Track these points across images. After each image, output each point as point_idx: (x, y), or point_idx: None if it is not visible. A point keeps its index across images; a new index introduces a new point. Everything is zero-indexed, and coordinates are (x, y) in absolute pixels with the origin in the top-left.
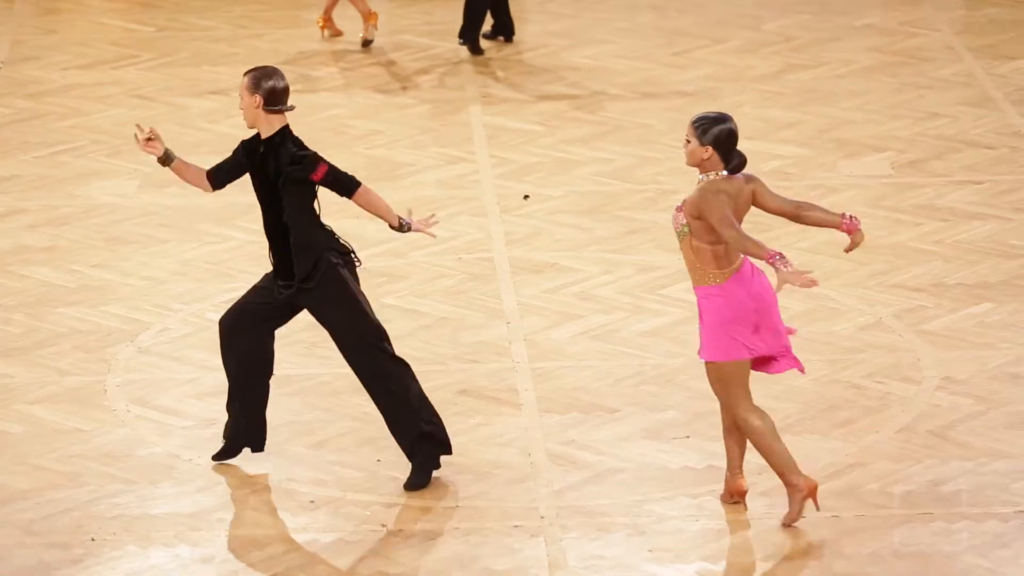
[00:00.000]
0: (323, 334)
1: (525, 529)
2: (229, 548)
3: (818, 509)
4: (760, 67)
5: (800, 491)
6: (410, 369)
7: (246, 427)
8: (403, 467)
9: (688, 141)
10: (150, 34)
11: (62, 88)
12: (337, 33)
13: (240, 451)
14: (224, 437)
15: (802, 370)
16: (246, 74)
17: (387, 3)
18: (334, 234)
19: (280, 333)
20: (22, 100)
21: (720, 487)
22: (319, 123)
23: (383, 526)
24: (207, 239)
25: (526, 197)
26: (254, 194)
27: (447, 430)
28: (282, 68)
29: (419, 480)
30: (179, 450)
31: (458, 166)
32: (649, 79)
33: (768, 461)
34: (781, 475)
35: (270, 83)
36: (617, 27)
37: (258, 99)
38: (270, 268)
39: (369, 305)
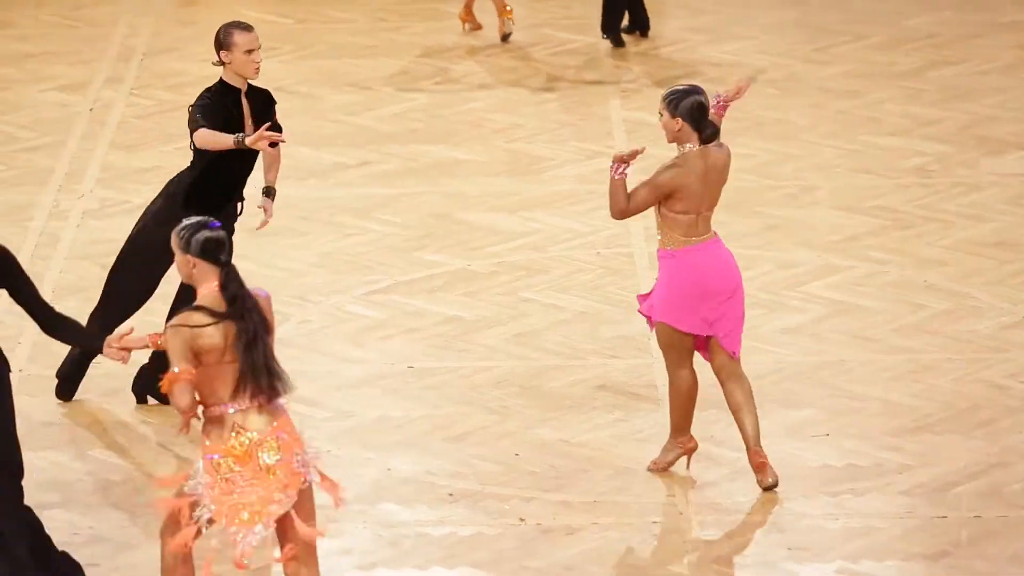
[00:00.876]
0: (458, 327)
1: (663, 525)
2: (368, 540)
3: (688, 468)
4: (902, 63)
5: (679, 446)
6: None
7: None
8: (542, 462)
9: (661, 115)
10: (289, 26)
11: (201, 79)
12: (477, 27)
13: None
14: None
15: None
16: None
17: None
18: None
19: (416, 326)
20: (163, 91)
21: (860, 484)
22: (458, 116)
23: (522, 520)
24: (346, 231)
25: None
26: (388, 187)
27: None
28: (421, 62)
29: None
30: (318, 442)
31: (597, 161)
32: (790, 75)
33: (671, 414)
34: (673, 428)
35: None
36: (759, 23)
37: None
38: (403, 260)
39: None
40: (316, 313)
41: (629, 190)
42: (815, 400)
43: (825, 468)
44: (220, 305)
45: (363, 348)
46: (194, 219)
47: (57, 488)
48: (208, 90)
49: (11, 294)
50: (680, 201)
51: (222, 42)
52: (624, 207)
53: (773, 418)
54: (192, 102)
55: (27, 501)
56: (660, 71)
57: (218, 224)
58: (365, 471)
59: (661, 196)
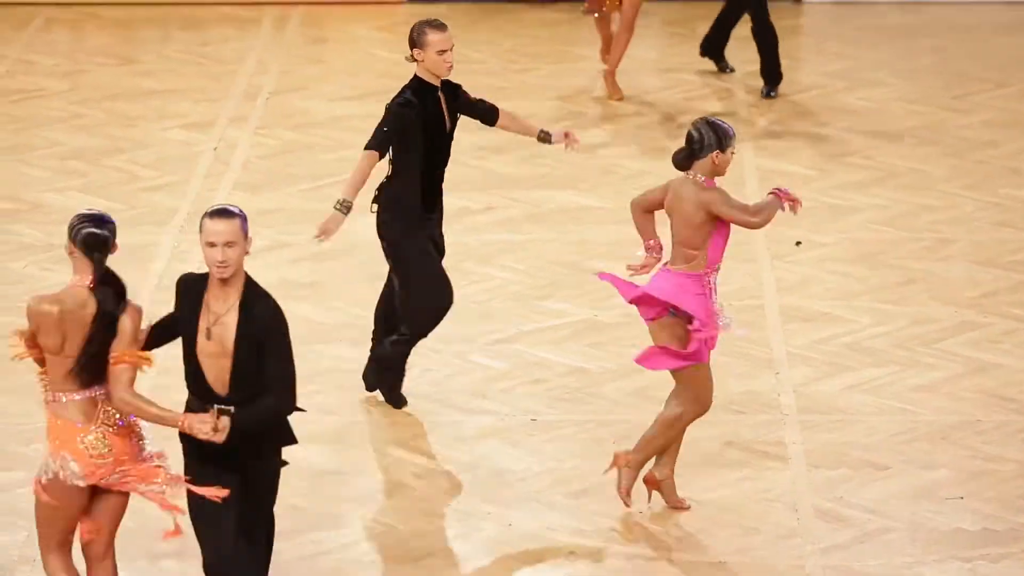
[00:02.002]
0: (583, 379)
1: None
2: None
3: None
4: None
5: (649, 483)
6: None
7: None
8: (663, 519)
9: (731, 152)
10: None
11: (329, 120)
12: (620, 98)
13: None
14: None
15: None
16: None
17: (663, 39)
18: None
19: (540, 377)
20: (288, 131)
21: (995, 550)
22: (587, 161)
23: None
24: (471, 278)
25: (798, 243)
26: (514, 233)
27: None
28: (550, 105)
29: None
30: (439, 494)
31: None
32: (928, 124)
33: (653, 442)
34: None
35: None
36: (896, 68)
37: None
38: (528, 308)
39: None
40: (439, 362)
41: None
42: (949, 461)
43: (958, 532)
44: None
45: (486, 399)
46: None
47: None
48: (407, 88)
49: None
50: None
51: (415, 40)
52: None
53: (905, 479)
54: (391, 100)
55: (141, 551)
56: (795, 118)
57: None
58: (485, 525)
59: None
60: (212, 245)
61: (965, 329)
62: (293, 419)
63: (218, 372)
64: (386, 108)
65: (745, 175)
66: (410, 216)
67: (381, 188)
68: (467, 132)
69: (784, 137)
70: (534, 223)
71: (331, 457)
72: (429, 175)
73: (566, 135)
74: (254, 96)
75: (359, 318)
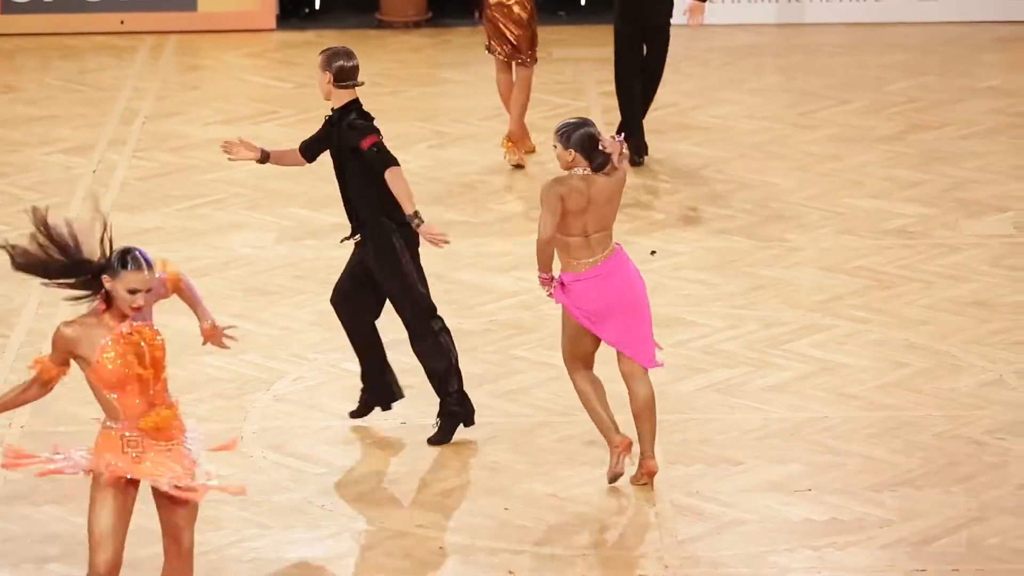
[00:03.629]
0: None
1: None
2: None
3: (631, 462)
4: (883, 128)
5: (617, 447)
6: (451, 339)
7: (369, 388)
8: (532, 516)
9: (555, 147)
10: (289, 90)
11: (204, 143)
12: (530, 150)
13: (371, 411)
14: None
15: (646, 365)
16: (320, 54)
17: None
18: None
19: (412, 383)
20: (165, 154)
21: (842, 538)
22: (454, 178)
23: (511, 573)
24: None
25: (653, 253)
26: None
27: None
28: (417, 125)
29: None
30: (313, 496)
31: None
32: (775, 139)
33: (591, 418)
34: (603, 435)
35: (339, 62)
36: (745, 87)
37: (328, 76)
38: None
39: (420, 275)
40: (312, 370)
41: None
42: (799, 456)
43: (808, 522)
44: None
45: (353, 403)
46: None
47: (57, 542)
48: (352, 109)
49: None
50: (564, 223)
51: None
52: (542, 238)
53: (757, 473)
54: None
55: (27, 556)
56: (651, 135)
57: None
58: (358, 524)
59: (558, 212)
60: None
61: (812, 331)
62: None
63: None
64: (367, 128)
65: None
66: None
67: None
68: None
69: (658, 145)
70: None
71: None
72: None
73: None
74: (131, 120)
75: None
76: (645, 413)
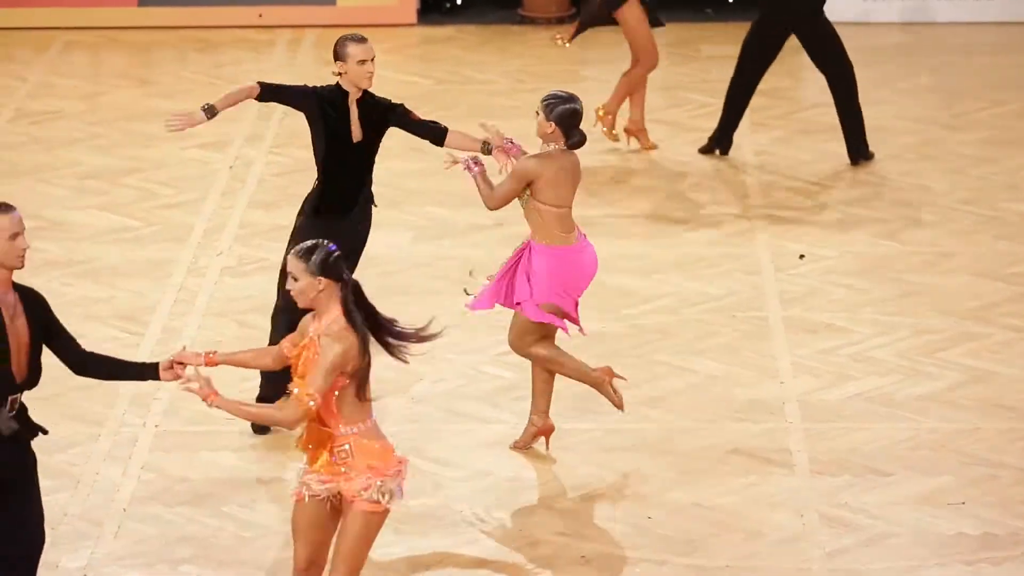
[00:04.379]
0: (591, 390)
1: None
2: None
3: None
4: None
5: (605, 380)
6: None
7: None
8: (676, 526)
9: (537, 114)
10: (429, 87)
11: None
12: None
13: None
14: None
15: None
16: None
17: (665, 59)
18: None
19: (556, 387)
20: (302, 150)
21: (997, 553)
22: (595, 174)
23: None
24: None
25: (801, 256)
26: (515, 248)
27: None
28: None
29: None
30: (451, 501)
31: (733, 223)
32: (927, 140)
33: (569, 376)
34: (586, 381)
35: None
36: (896, 87)
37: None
38: None
39: None
40: (451, 372)
41: (531, 194)
42: (950, 467)
43: (961, 537)
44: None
45: (498, 408)
46: (308, 242)
47: (190, 544)
48: (328, 87)
49: (45, 339)
50: (545, 191)
51: (337, 53)
52: (489, 195)
53: (908, 485)
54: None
55: (160, 557)
56: (798, 135)
57: (334, 247)
58: (499, 531)
59: (522, 184)
60: (16, 235)
61: (965, 339)
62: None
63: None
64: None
65: (748, 191)
66: (308, 206)
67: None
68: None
69: (787, 152)
70: None
71: None
72: (330, 180)
73: (503, 149)
74: (268, 116)
75: None
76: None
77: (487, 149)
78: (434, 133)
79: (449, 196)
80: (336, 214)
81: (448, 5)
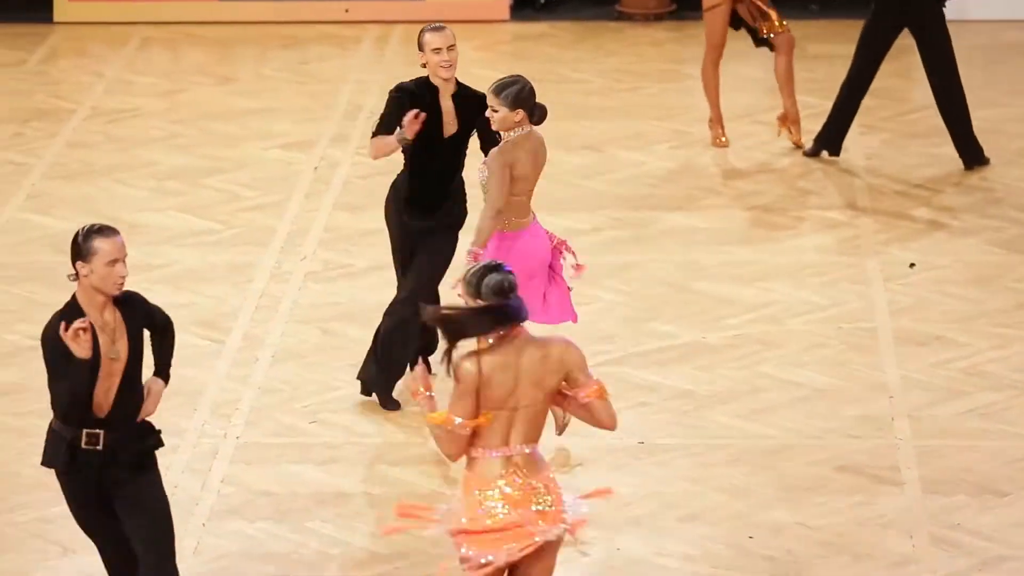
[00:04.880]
0: (690, 402)
1: None
2: None
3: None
4: None
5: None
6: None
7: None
8: (778, 546)
9: (495, 111)
10: None
11: None
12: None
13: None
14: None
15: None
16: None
17: (769, 58)
18: None
19: (647, 400)
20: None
21: None
22: (694, 182)
23: None
24: (576, 299)
25: (912, 265)
26: (620, 254)
27: None
28: (656, 124)
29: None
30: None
31: (840, 230)
32: None
33: None
34: None
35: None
36: (1012, 89)
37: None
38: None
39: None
40: None
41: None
42: None
43: None
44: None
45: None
46: (482, 263)
47: (273, 560)
48: (413, 81)
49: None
50: (516, 180)
51: (418, 43)
52: (490, 201)
53: None
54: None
55: (241, 573)
56: (907, 139)
57: (509, 268)
58: (591, 550)
59: (508, 171)
60: (115, 262)
61: None
62: (398, 441)
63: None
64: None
65: (856, 196)
66: (394, 206)
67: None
68: (573, 154)
69: (897, 156)
70: (641, 244)
71: (432, 480)
72: (419, 176)
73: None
74: (355, 115)
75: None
76: None
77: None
78: (487, 142)
79: (551, 200)
80: (427, 208)
81: (542, 1)
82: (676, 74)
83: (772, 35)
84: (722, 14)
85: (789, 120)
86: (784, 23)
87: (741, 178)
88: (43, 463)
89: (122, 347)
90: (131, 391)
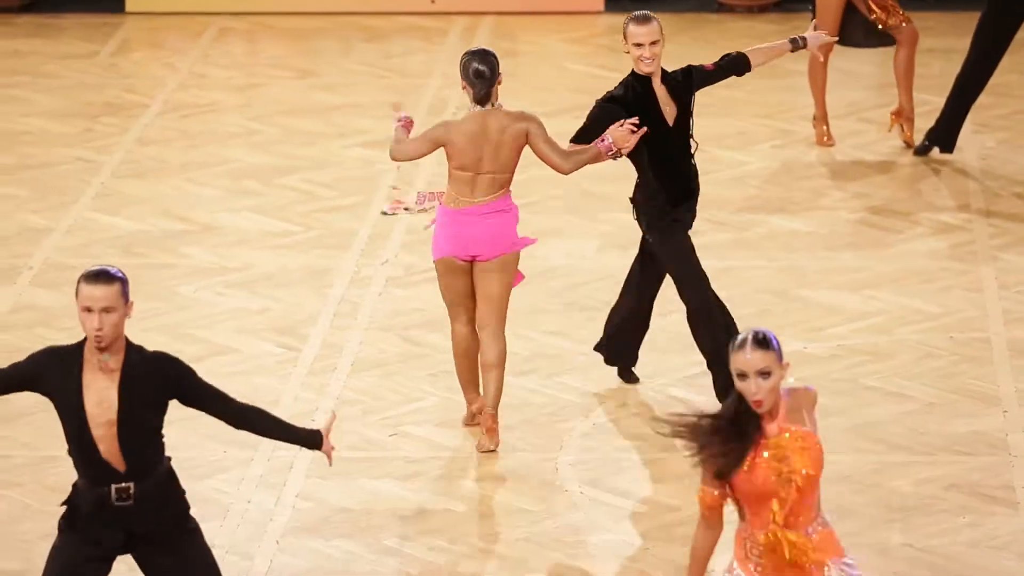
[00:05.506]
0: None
1: None
2: None
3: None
4: None
5: (472, 409)
6: None
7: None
8: (885, 568)
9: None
10: (616, 81)
11: None
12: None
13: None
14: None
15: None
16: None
17: (879, 52)
18: None
19: None
20: None
21: None
22: (797, 183)
23: None
24: (669, 307)
25: None
26: (720, 259)
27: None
28: (757, 121)
29: None
30: (635, 538)
31: (952, 235)
32: None
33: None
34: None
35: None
36: None
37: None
38: None
39: None
40: (636, 397)
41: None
42: None
43: None
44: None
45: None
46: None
47: None
48: (619, 86)
49: (192, 403)
50: (452, 158)
51: (623, 32)
52: (395, 148)
53: None
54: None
55: None
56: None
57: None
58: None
59: (428, 148)
60: (88, 311)
61: None
62: (470, 454)
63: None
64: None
65: (970, 199)
66: (652, 213)
67: (635, 187)
68: None
69: (1015, 157)
70: (741, 248)
71: (518, 496)
72: (663, 168)
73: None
74: (441, 111)
75: (551, 348)
76: (494, 369)
77: (800, 44)
78: (736, 66)
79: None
80: (687, 195)
81: None
82: (779, 69)
83: (894, 27)
84: (836, 2)
85: (903, 116)
86: (906, 14)
87: (847, 179)
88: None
89: (111, 398)
90: (138, 447)
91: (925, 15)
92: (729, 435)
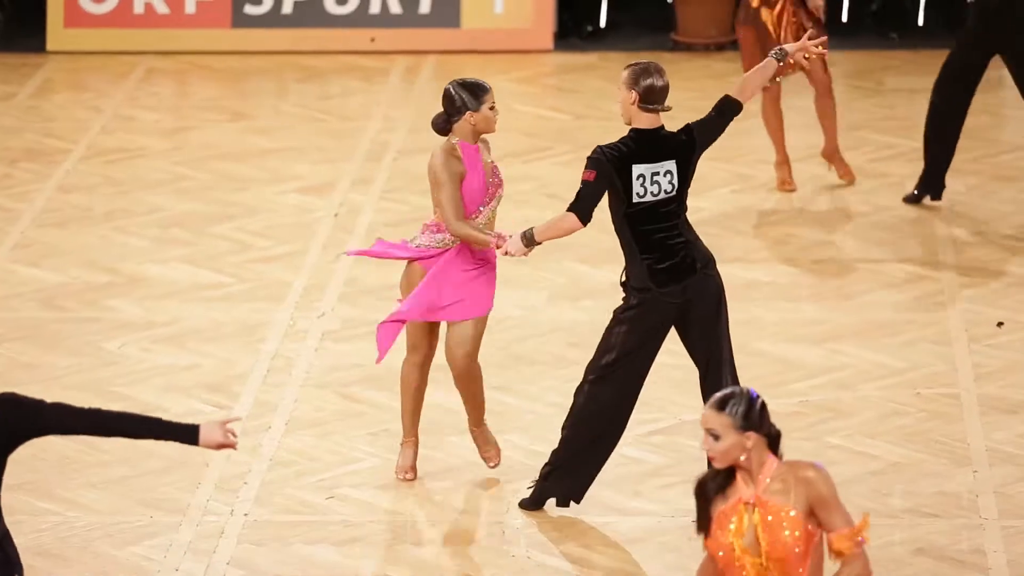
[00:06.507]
0: None
1: None
2: None
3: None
4: None
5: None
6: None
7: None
8: None
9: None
10: (566, 123)
11: None
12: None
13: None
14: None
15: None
16: (626, 68)
17: (843, 93)
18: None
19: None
20: (418, 196)
21: None
22: (757, 230)
23: None
24: None
25: (1000, 324)
26: None
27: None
28: (714, 166)
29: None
30: None
31: (919, 284)
32: None
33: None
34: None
35: (648, 80)
36: None
37: (634, 96)
38: (688, 396)
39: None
40: None
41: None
42: None
43: None
44: None
45: (641, 497)
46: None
47: None
48: (619, 142)
49: (43, 432)
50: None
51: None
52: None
53: None
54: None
55: None
56: (996, 182)
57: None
58: None
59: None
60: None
61: None
62: (417, 519)
63: None
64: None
65: (938, 248)
66: (633, 297)
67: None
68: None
69: (984, 203)
70: None
71: (465, 562)
72: (650, 248)
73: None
74: (380, 156)
75: (497, 404)
76: (462, 381)
77: (780, 56)
78: (731, 108)
79: (591, 250)
80: (666, 284)
81: (590, 29)
82: (745, 111)
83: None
84: (751, 40)
85: (829, 157)
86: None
87: (809, 226)
88: None
89: None
90: None
91: (891, 54)
92: (698, 489)
